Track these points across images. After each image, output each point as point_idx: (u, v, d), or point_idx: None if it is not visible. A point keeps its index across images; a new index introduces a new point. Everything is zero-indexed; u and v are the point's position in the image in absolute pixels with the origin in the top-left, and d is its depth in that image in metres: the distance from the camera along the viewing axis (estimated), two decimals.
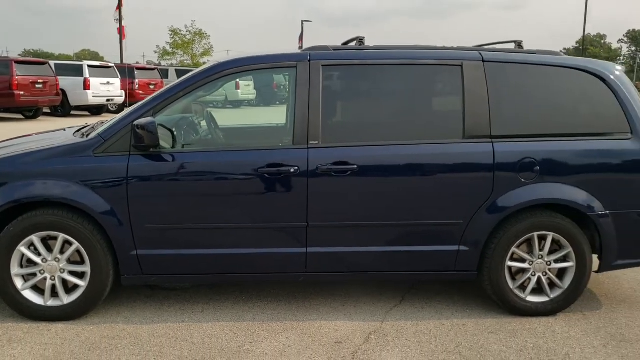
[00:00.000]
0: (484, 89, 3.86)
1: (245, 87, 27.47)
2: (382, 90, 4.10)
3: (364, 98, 4.12)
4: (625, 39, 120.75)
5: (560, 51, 4.40)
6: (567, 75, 4.01)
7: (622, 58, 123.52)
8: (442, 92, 4.07)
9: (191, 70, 5.46)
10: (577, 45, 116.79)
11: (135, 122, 3.59)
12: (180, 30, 48.40)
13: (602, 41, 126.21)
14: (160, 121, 3.79)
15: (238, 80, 25.90)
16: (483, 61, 3.92)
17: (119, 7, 23.64)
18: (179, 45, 48.45)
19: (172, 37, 48.57)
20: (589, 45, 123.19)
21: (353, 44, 4.20)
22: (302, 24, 44.75)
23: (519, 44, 4.25)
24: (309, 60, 3.86)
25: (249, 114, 22.83)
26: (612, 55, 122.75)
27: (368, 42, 4.17)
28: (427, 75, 3.99)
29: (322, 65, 3.85)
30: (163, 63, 48.55)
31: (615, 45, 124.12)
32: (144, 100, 3.97)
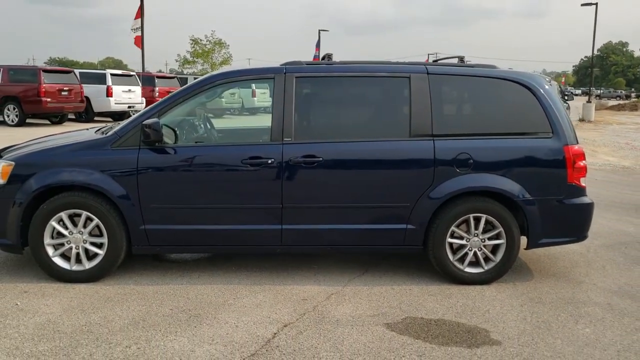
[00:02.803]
0: (427, 96, 4.70)
1: (261, 95, 28.35)
2: (345, 97, 4.96)
3: (329, 103, 5.00)
4: None
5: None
6: (499, 85, 4.84)
7: None
8: (393, 98, 4.89)
9: None
10: (599, 52, 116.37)
11: (144, 122, 4.51)
12: (200, 40, 49.62)
13: (624, 49, 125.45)
14: (165, 122, 4.70)
15: (254, 88, 27.02)
16: (427, 73, 4.76)
17: (141, 16, 24.42)
18: (199, 54, 49.64)
19: (193, 46, 49.79)
20: (611, 53, 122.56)
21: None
22: (319, 33, 46.08)
23: (461, 59, 5.10)
24: (285, 73, 4.74)
25: (260, 120, 23.73)
26: (633, 63, 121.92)
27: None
28: (381, 85, 4.86)
29: (295, 77, 4.73)
30: (185, 71, 49.76)
31: (637, 53, 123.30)
32: (151, 105, 4.89)
